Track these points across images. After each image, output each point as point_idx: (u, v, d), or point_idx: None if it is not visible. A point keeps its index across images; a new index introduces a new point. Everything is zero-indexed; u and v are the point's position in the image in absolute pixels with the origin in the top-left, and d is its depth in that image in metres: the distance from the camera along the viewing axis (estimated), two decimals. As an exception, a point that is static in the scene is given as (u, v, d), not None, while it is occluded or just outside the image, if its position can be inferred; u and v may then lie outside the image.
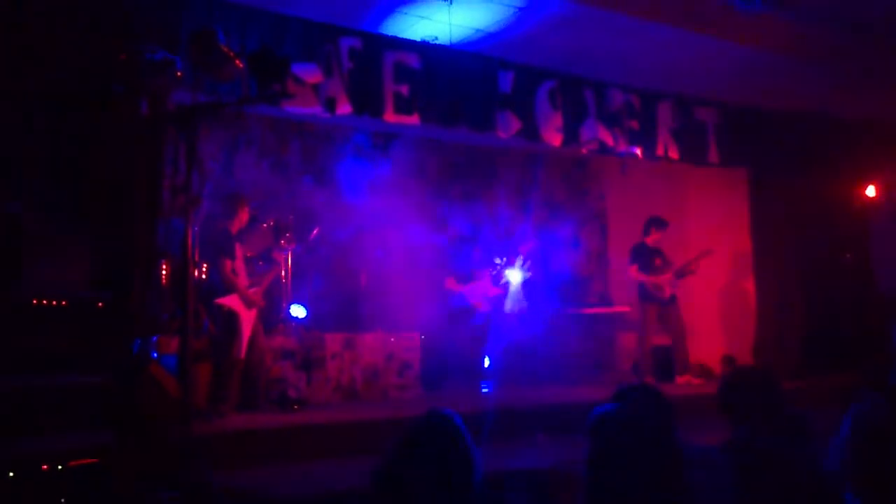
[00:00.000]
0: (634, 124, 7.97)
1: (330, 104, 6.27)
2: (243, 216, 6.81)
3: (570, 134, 7.54)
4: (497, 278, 8.76)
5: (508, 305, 8.72)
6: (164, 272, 7.06)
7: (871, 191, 9.72)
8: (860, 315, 9.36)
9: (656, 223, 8.97)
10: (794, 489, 2.67)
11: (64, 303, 4.25)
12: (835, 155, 9.27)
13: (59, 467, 4.05)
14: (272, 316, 7.56)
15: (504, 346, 8.64)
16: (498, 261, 8.81)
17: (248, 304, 6.57)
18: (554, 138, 7.44)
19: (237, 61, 4.96)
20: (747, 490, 2.62)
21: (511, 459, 5.42)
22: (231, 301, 6.49)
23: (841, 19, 7.40)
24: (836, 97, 8.69)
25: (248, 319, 6.56)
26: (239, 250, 6.72)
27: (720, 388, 3.30)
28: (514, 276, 8.79)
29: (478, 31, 6.98)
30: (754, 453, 2.82)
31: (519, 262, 8.82)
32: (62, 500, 4.01)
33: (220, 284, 6.55)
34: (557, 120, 7.43)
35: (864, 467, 2.41)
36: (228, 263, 6.52)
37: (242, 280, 6.66)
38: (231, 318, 6.47)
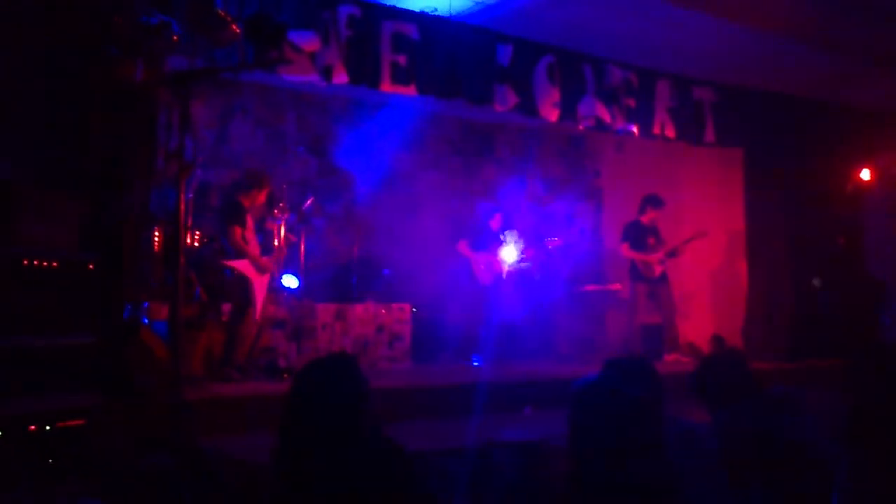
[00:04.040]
0: (632, 102, 7.94)
1: (326, 72, 6.23)
2: (259, 196, 6.81)
3: (568, 110, 7.51)
4: (507, 255, 8.72)
5: (509, 279, 8.72)
6: (156, 238, 7.05)
7: (865, 174, 9.73)
8: (851, 299, 9.40)
9: (652, 201, 8.96)
10: (780, 465, 2.69)
11: (55, 264, 4.22)
12: (831, 138, 9.27)
13: (48, 428, 4.05)
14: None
15: (497, 321, 8.65)
16: (505, 238, 8.78)
17: (260, 269, 6.58)
18: (551, 113, 7.41)
19: (234, 26, 4.93)
20: (734, 465, 2.64)
21: (499, 432, 5.45)
22: (242, 265, 6.49)
23: (843, 3, 7.36)
24: (834, 81, 8.68)
25: (260, 285, 6.58)
26: (251, 221, 6.73)
27: (694, 378, 3.27)
28: (520, 259, 8.77)
29: (477, 3, 6.93)
30: (740, 431, 2.83)
31: (535, 251, 8.81)
32: (50, 461, 4.02)
33: (231, 251, 6.56)
34: (555, 95, 7.40)
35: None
36: (238, 231, 6.53)
37: (254, 248, 6.66)
38: (243, 283, 6.49)
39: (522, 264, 8.76)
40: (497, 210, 8.79)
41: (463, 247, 8.63)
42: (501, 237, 8.72)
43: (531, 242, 8.89)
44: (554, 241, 8.87)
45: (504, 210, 8.86)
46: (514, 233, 8.81)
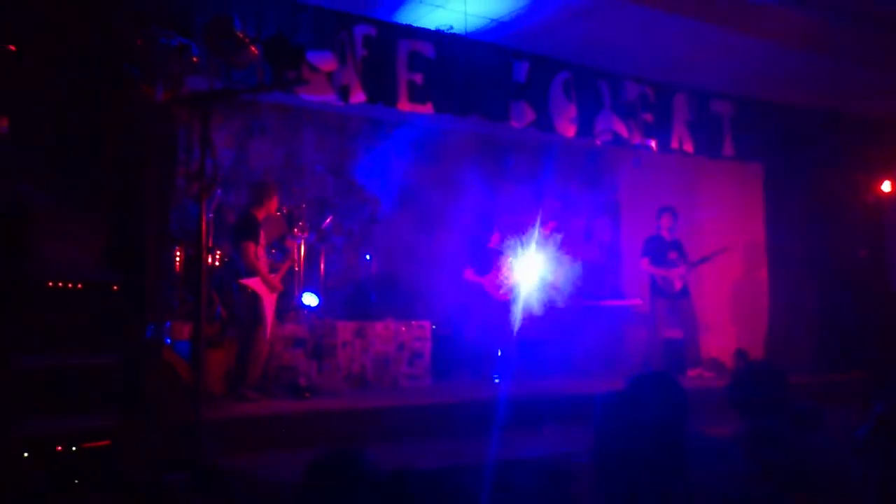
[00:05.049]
0: (649, 116, 7.94)
1: (344, 92, 6.27)
2: (271, 205, 6.85)
3: (585, 125, 7.52)
4: (515, 267, 8.69)
5: (526, 295, 8.68)
6: (177, 258, 7.11)
7: (886, 186, 9.65)
8: (873, 312, 9.31)
9: (665, 209, 8.97)
10: (808, 480, 2.66)
11: (79, 285, 4.26)
12: (851, 150, 9.21)
13: (73, 448, 4.08)
14: (284, 303, 7.59)
15: (516, 337, 8.63)
16: (513, 254, 8.76)
17: (271, 288, 6.61)
18: (568, 129, 7.42)
19: (253, 48, 4.97)
20: (761, 481, 2.62)
21: (521, 449, 5.43)
22: (255, 283, 6.52)
23: (860, 15, 7.33)
24: (853, 93, 8.63)
25: (270, 303, 6.60)
26: (263, 237, 6.76)
27: (731, 383, 3.31)
28: (532, 263, 8.71)
29: (493, 20, 6.96)
30: (767, 445, 2.81)
31: (541, 249, 8.74)
32: (75, 481, 4.04)
33: (242, 268, 6.59)
34: (572, 111, 7.41)
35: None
36: (252, 247, 6.56)
37: (263, 265, 6.69)
38: (255, 300, 6.52)
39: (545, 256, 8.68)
40: (492, 230, 8.77)
41: (469, 275, 8.61)
42: (508, 256, 8.68)
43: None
44: (549, 226, 8.82)
45: (501, 228, 8.81)
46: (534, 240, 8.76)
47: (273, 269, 6.82)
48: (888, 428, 2.41)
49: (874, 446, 2.38)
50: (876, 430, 2.39)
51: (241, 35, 4.95)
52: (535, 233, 8.75)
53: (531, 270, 8.62)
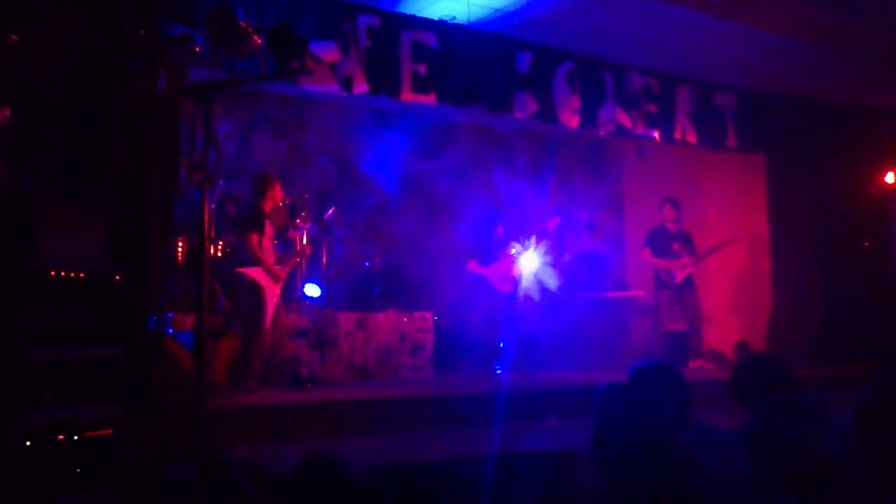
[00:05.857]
0: (653, 107, 7.92)
1: (347, 83, 6.27)
2: (276, 195, 6.85)
3: (588, 116, 7.51)
4: (518, 258, 8.66)
5: (528, 286, 8.67)
6: (180, 249, 7.11)
7: (890, 177, 9.62)
8: (876, 303, 9.29)
9: (666, 200, 8.96)
10: (808, 472, 2.66)
11: (82, 275, 4.26)
12: (854, 141, 9.19)
13: (76, 438, 4.09)
14: (287, 294, 7.60)
15: (518, 328, 8.62)
16: (517, 245, 8.74)
17: (274, 278, 6.60)
18: (571, 120, 7.41)
19: (255, 38, 4.95)
20: (762, 472, 2.62)
21: (523, 441, 5.44)
22: (254, 273, 6.53)
23: (865, 8, 7.30)
24: (856, 83, 8.60)
25: (272, 293, 6.60)
26: (269, 229, 6.75)
27: (733, 374, 3.32)
28: (536, 255, 8.69)
29: (496, 10, 6.93)
30: (769, 437, 2.81)
31: (543, 241, 8.72)
32: (78, 471, 4.05)
33: (246, 259, 6.60)
34: (575, 102, 7.39)
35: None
36: (255, 238, 6.57)
37: (269, 257, 6.69)
38: (255, 290, 6.52)
39: (563, 258, 8.65)
40: (498, 221, 8.74)
41: (473, 266, 8.58)
42: (512, 247, 8.65)
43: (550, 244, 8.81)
44: (552, 221, 8.79)
45: (505, 220, 8.79)
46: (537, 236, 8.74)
47: (280, 261, 6.83)
48: (873, 419, 2.42)
49: (864, 437, 2.39)
50: (862, 421, 2.40)
51: (243, 25, 4.92)
52: (539, 224, 8.72)
53: (534, 262, 8.59)
